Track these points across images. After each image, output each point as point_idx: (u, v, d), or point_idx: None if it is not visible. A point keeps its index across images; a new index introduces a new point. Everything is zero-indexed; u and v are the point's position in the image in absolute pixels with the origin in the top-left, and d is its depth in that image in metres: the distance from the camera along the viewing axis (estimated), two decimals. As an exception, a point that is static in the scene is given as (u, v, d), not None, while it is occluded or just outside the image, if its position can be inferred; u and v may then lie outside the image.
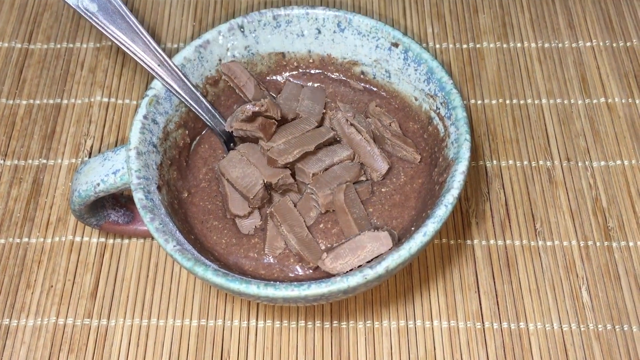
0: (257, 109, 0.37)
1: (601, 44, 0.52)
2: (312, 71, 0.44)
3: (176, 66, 0.39)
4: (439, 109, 0.39)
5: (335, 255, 0.36)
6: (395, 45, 0.40)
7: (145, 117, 0.37)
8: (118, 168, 0.37)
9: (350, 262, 0.36)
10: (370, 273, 0.32)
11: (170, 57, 0.39)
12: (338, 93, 0.44)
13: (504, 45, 0.52)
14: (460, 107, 0.37)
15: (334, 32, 0.41)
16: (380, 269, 0.32)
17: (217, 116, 0.41)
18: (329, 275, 0.36)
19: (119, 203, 0.42)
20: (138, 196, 0.35)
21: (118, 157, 0.37)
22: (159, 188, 0.37)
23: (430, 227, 0.33)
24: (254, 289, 0.32)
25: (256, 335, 0.42)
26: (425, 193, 0.39)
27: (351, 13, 0.41)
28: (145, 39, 0.38)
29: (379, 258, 0.35)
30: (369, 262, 0.35)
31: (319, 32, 0.41)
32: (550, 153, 0.48)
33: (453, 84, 0.38)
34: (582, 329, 0.41)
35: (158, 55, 0.38)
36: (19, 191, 0.46)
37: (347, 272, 0.35)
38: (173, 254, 0.33)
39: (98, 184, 0.37)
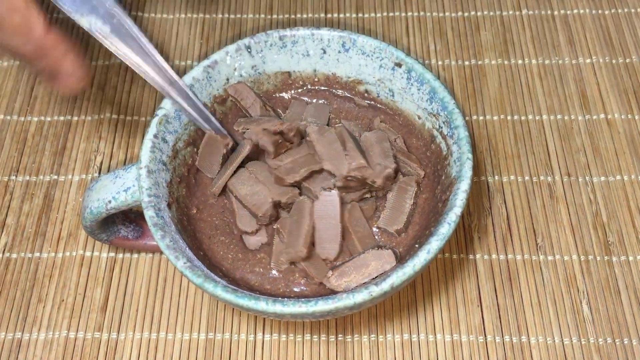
0: (282, 128, 0.38)
1: (601, 60, 0.53)
2: (318, 88, 0.45)
3: (186, 86, 0.40)
4: (442, 127, 0.39)
5: (340, 273, 0.37)
6: (399, 65, 0.41)
7: (155, 136, 0.38)
8: (129, 186, 0.38)
9: (355, 280, 0.37)
10: (375, 290, 0.33)
11: (179, 76, 0.40)
12: (343, 109, 0.45)
13: (505, 62, 0.53)
14: (462, 127, 0.38)
15: (339, 52, 0.42)
16: (385, 285, 0.33)
17: (226, 133, 0.42)
18: (333, 291, 0.37)
19: (129, 219, 0.43)
20: (149, 214, 0.36)
21: (129, 174, 0.38)
22: (169, 205, 0.38)
23: (434, 244, 0.34)
24: (262, 305, 0.33)
25: (263, 348, 0.42)
26: (429, 209, 0.40)
27: (355, 34, 0.42)
28: (155, 60, 0.39)
29: (383, 275, 0.36)
30: (373, 279, 0.36)
31: (324, 52, 0.42)
32: (551, 168, 0.48)
33: (455, 103, 0.39)
34: (583, 343, 0.42)
35: (168, 75, 0.39)
36: (30, 206, 0.47)
37: (352, 289, 0.36)
38: (183, 270, 0.34)
39: (109, 201, 0.38)
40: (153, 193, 0.37)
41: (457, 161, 0.38)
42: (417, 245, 0.37)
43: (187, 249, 0.36)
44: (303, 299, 0.33)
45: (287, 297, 0.37)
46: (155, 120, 0.39)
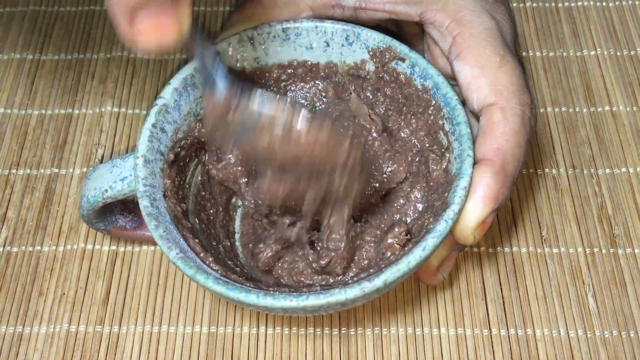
0: None
1: (605, 52, 0.53)
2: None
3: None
4: (444, 124, 0.39)
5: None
6: (402, 60, 0.40)
7: (154, 125, 0.38)
8: (126, 175, 0.37)
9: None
10: (368, 286, 0.33)
11: (179, 67, 0.39)
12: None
13: (509, 55, 0.53)
14: (464, 123, 0.37)
15: (342, 45, 0.42)
16: (378, 282, 0.33)
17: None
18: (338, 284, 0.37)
19: (127, 208, 0.43)
20: (144, 203, 0.35)
21: (126, 164, 0.38)
22: (165, 196, 0.37)
23: (430, 242, 0.34)
24: (253, 298, 0.33)
25: (266, 342, 0.42)
26: (427, 207, 0.39)
27: (359, 27, 0.41)
28: None
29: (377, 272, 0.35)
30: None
31: (328, 45, 0.42)
32: (555, 161, 0.48)
33: (458, 99, 0.38)
34: (589, 335, 0.42)
35: None
36: (31, 200, 0.47)
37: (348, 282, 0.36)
38: (176, 261, 0.34)
39: (106, 190, 0.37)
40: (149, 183, 0.36)
41: (457, 158, 0.37)
42: (411, 244, 0.36)
43: (182, 240, 0.36)
44: (294, 293, 0.33)
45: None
46: (154, 110, 0.38)
